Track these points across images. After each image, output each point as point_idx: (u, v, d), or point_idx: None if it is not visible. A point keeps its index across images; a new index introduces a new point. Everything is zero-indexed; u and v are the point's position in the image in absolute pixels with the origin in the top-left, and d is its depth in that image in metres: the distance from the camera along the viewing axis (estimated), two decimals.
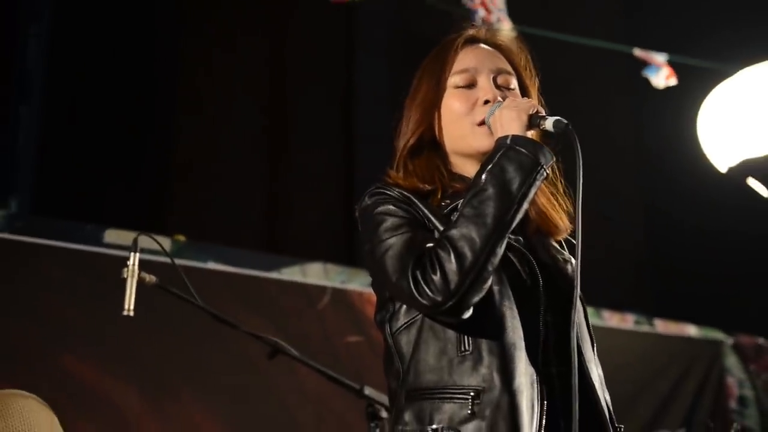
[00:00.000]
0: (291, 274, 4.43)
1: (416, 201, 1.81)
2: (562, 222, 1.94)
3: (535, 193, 1.84)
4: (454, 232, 1.66)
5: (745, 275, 6.89)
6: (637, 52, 5.25)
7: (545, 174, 1.74)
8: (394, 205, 1.79)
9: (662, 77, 5.17)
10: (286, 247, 6.13)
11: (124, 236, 3.90)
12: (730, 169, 5.22)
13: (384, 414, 2.88)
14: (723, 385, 5.53)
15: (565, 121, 1.76)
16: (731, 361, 5.64)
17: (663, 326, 5.53)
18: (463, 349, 1.69)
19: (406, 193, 1.82)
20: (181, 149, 7.70)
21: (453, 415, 1.65)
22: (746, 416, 5.50)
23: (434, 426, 1.65)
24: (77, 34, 7.25)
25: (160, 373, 3.95)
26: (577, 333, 1.78)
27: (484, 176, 1.71)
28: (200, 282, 2.93)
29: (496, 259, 1.68)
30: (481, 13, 4.37)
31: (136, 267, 2.71)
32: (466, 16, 4.39)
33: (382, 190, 1.83)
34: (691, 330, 5.62)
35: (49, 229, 3.95)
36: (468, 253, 1.63)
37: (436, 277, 1.63)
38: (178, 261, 3.03)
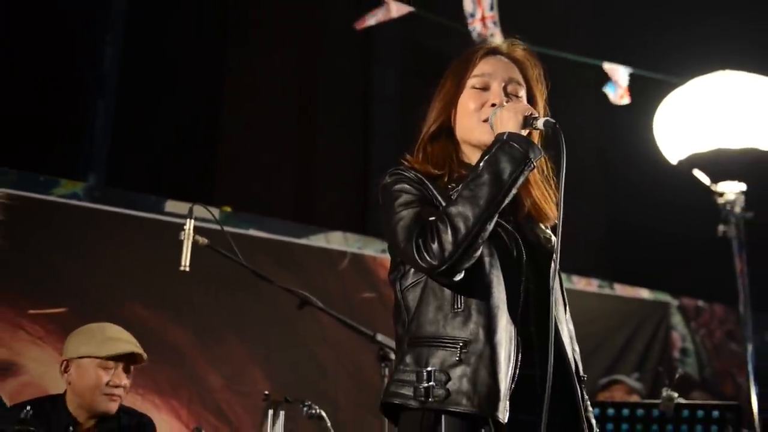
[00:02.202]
0: (317, 240, 4.40)
1: (427, 182, 1.81)
2: (552, 212, 1.94)
3: (528, 183, 1.90)
4: (452, 209, 1.67)
5: (689, 250, 6.89)
6: (606, 66, 5.20)
7: (533, 166, 1.74)
8: (408, 184, 1.80)
9: (617, 95, 5.16)
10: (312, 218, 6.12)
11: (181, 206, 3.87)
12: (680, 162, 5.18)
13: (392, 356, 2.86)
14: (669, 339, 5.51)
15: (553, 121, 1.78)
16: (676, 319, 5.61)
17: (621, 290, 5.49)
18: (456, 307, 1.70)
19: (419, 175, 1.82)
20: (228, 138, 7.68)
21: (444, 360, 1.67)
22: (687, 364, 5.49)
23: (429, 368, 1.67)
24: (144, 42, 7.23)
25: (209, 319, 3.94)
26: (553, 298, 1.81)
27: (481, 164, 1.71)
28: (242, 245, 2.90)
29: (486, 234, 1.68)
30: (479, 28, 4.28)
31: (191, 231, 2.70)
32: (466, 31, 4.31)
33: (400, 172, 1.84)
34: (644, 293, 5.59)
35: (120, 199, 3.93)
36: (462, 228, 1.64)
37: (434, 245, 1.64)
38: (225, 228, 2.99)
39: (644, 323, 5.43)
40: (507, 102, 1.86)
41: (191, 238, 2.68)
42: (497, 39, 4.33)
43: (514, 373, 1.68)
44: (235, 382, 3.91)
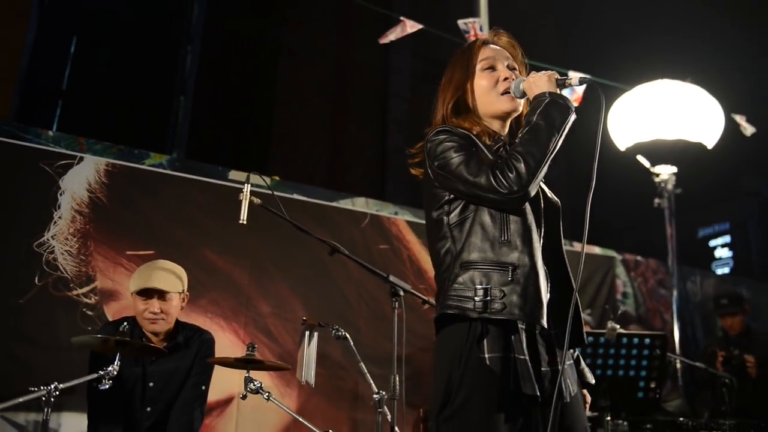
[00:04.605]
0: (345, 204, 4.38)
1: (473, 138, 1.73)
2: None
3: (513, 136, 1.84)
4: (521, 149, 1.63)
5: (631, 217, 6.87)
6: (571, 74, 5.11)
7: (574, 116, 1.70)
8: (459, 137, 1.71)
9: (574, 98, 5.06)
10: (342, 186, 6.11)
11: (241, 175, 3.87)
12: (627, 149, 5.14)
13: (401, 293, 2.81)
14: (613, 285, 5.45)
15: (589, 77, 1.76)
16: (620, 270, 5.56)
17: (578, 247, 5.44)
18: (504, 238, 1.63)
19: (465, 132, 1.74)
20: (278, 123, 7.68)
21: (498, 280, 1.61)
22: (626, 304, 5.46)
23: (485, 286, 1.60)
24: (218, 52, 7.21)
25: (261, 262, 3.94)
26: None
27: (536, 117, 1.66)
28: (288, 206, 2.88)
29: (546, 169, 1.65)
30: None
31: (248, 193, 2.67)
32: (463, 42, 4.27)
33: (448, 129, 1.74)
34: (596, 249, 5.53)
35: (195, 169, 3.92)
36: (532, 162, 1.61)
37: (512, 175, 1.60)
38: (274, 192, 2.97)
39: (595, 273, 5.39)
40: (514, 75, 1.81)
41: (248, 198, 2.66)
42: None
43: (546, 291, 1.65)
44: (280, 310, 3.93)
